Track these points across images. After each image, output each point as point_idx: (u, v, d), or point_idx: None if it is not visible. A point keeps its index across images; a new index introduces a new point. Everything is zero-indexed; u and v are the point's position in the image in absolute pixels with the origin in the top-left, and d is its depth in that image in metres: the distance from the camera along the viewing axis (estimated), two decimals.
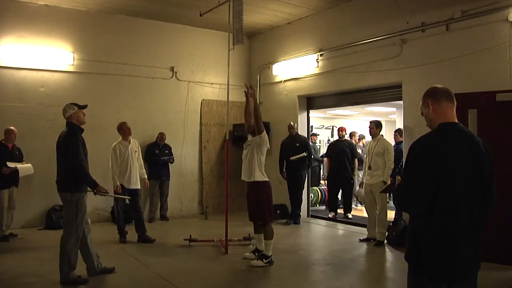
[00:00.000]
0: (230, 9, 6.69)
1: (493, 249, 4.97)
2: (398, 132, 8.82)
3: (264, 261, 5.65)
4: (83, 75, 8.71)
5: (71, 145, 4.91)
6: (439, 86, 2.47)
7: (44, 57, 8.28)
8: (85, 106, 5.16)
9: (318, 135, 13.65)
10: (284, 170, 8.91)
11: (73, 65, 8.60)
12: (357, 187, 9.20)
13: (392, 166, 7.00)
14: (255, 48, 10.80)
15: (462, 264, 2.26)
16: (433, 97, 2.41)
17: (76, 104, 5.13)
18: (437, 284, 2.25)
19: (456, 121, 2.39)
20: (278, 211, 9.28)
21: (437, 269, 2.23)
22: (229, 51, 6.73)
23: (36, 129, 8.16)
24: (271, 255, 5.72)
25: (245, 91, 5.84)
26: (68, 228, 4.88)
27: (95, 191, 4.97)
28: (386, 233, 6.96)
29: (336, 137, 11.00)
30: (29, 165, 7.26)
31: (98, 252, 5.23)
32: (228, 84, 6.83)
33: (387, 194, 7.52)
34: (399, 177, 6.88)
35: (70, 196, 4.87)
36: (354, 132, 11.83)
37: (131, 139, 7.15)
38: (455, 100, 2.42)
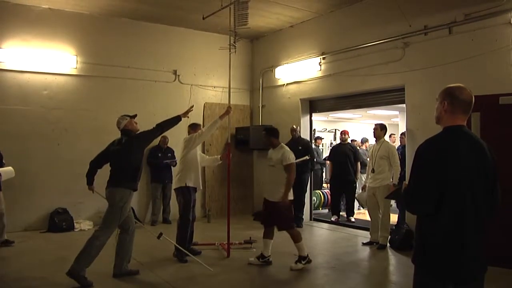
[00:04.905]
0: (231, 11, 6.69)
1: (500, 253, 4.94)
2: (404, 135, 8.79)
3: (303, 262, 5.69)
4: (86, 78, 8.73)
5: (140, 132, 5.36)
6: (464, 93, 2.40)
7: (47, 60, 8.31)
8: (135, 116, 5.47)
9: (323, 138, 13.66)
10: None
11: (76, 68, 8.62)
12: (359, 191, 9.19)
13: (399, 169, 6.94)
14: (257, 51, 10.81)
15: (469, 265, 2.27)
16: (452, 103, 2.37)
17: (127, 115, 5.41)
18: (443, 285, 2.25)
19: (463, 124, 2.40)
20: None
21: (444, 270, 2.24)
22: (230, 54, 6.71)
23: (39, 132, 8.18)
24: (307, 255, 5.78)
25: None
26: (107, 224, 5.05)
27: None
28: (389, 236, 6.94)
29: (338, 141, 11.01)
30: (10, 168, 6.82)
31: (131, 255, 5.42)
32: (229, 87, 6.82)
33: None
34: (405, 183, 6.84)
35: (126, 194, 5.08)
36: (354, 139, 11.90)
37: None
38: (471, 111, 2.41)
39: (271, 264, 5.88)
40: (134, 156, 5.22)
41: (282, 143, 5.98)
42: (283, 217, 5.71)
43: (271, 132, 6.03)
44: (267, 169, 5.95)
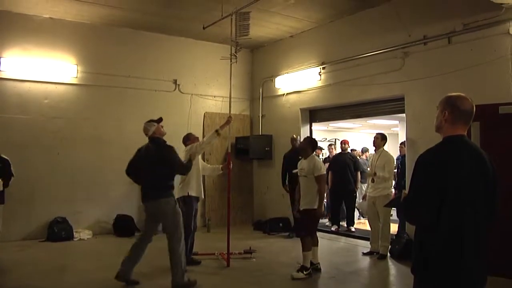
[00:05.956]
0: (233, 22, 6.74)
1: (500, 263, 4.91)
2: (404, 144, 8.79)
3: (304, 272, 5.68)
4: (86, 87, 8.76)
5: (170, 153, 5.21)
6: (466, 103, 2.41)
7: (48, 69, 8.34)
8: (160, 120, 5.49)
9: (323, 149, 13.65)
10: (287, 183, 8.87)
11: (76, 77, 8.65)
12: (360, 200, 9.17)
13: (389, 176, 6.97)
14: (257, 61, 10.86)
15: (469, 274, 2.25)
16: (453, 112, 2.38)
17: (153, 120, 5.44)
18: None
19: (464, 134, 2.40)
20: (280, 224, 9.25)
21: (444, 279, 2.22)
22: (231, 64, 6.77)
23: (39, 141, 8.18)
24: (310, 267, 5.78)
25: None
26: (174, 232, 5.07)
27: None
28: (389, 246, 6.92)
29: (338, 150, 11.02)
30: None
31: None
32: (230, 97, 6.84)
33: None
34: (405, 192, 6.83)
35: (172, 201, 5.09)
36: (353, 149, 11.92)
37: None
38: (471, 121, 2.42)
39: (320, 270, 5.99)
40: (164, 166, 5.14)
41: (313, 154, 6.06)
42: (303, 223, 5.84)
43: (312, 143, 6.19)
44: (300, 180, 6.02)
